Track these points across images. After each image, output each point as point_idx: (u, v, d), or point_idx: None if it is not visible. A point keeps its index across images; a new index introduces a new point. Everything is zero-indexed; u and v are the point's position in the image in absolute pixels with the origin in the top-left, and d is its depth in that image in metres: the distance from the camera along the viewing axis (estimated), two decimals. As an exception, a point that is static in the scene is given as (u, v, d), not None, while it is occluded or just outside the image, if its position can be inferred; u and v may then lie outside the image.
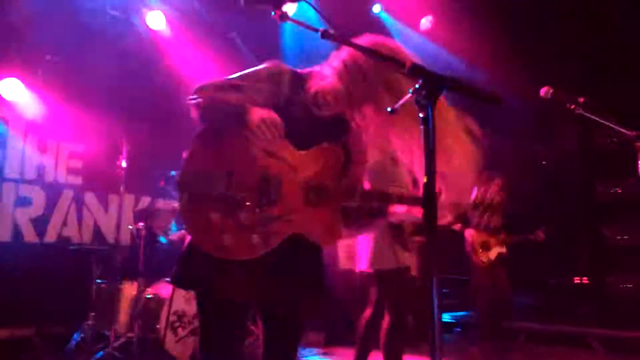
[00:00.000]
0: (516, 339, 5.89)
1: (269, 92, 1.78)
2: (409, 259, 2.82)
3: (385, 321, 2.87)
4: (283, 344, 1.94)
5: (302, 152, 1.79)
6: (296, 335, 2.00)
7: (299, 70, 1.89)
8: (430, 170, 1.24)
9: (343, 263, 6.03)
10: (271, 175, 1.74)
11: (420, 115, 1.22)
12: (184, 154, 1.79)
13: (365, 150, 1.88)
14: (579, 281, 6.02)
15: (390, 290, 2.81)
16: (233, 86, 1.78)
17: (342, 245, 6.05)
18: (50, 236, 5.28)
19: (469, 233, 4.78)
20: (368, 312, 2.92)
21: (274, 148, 1.72)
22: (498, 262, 4.80)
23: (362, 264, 2.90)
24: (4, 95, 5.01)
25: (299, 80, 1.83)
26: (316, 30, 1.42)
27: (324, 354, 5.10)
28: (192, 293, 4.42)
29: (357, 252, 2.95)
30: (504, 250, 4.83)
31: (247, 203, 1.71)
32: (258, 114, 1.64)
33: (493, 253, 4.79)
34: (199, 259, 1.73)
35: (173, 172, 4.36)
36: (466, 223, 4.71)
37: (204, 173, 1.71)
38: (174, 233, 4.97)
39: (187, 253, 1.82)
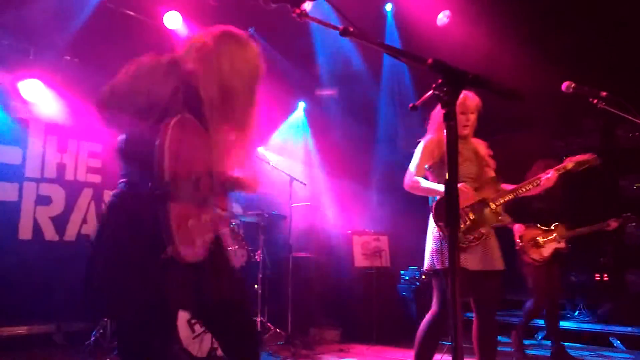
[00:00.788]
0: (534, 337, 5.84)
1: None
2: (467, 260, 2.82)
3: (428, 315, 2.90)
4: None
5: None
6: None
7: None
8: (452, 166, 1.23)
9: (359, 261, 6.07)
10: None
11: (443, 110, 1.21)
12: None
13: None
14: (599, 278, 5.93)
15: (442, 287, 2.86)
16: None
17: (358, 244, 6.09)
18: (70, 234, 5.36)
19: (518, 229, 4.45)
20: (428, 316, 2.88)
21: None
22: (553, 260, 4.42)
23: (425, 263, 2.97)
24: (24, 96, 5.09)
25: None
26: (336, 29, 1.41)
27: (340, 350, 5.10)
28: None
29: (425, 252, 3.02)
30: (562, 245, 4.43)
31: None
32: None
33: (547, 250, 4.42)
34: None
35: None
36: (517, 217, 4.36)
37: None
38: None
39: None
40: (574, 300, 6.08)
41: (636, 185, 5.81)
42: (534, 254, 4.37)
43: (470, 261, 2.78)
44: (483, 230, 2.85)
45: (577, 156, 3.09)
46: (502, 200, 2.92)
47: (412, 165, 2.96)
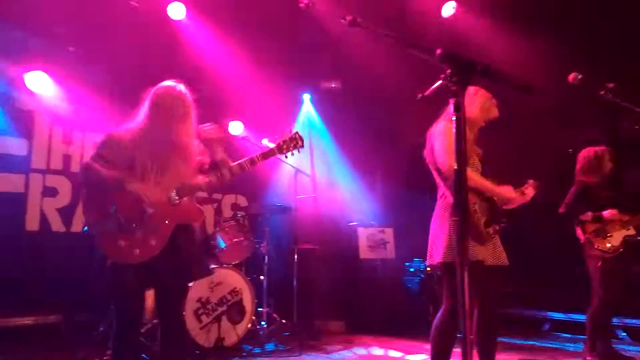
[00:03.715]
0: (541, 329, 5.86)
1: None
2: (483, 252, 2.78)
3: (441, 310, 2.84)
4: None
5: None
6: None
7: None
8: (460, 157, 1.24)
9: (364, 253, 6.09)
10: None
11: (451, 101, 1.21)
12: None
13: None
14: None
15: (454, 282, 2.76)
16: (103, 159, 2.62)
17: (363, 236, 6.11)
18: (77, 225, 5.39)
19: (578, 223, 4.20)
20: (443, 309, 2.80)
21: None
22: (626, 248, 4.05)
23: (434, 258, 2.83)
24: (29, 88, 5.11)
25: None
26: (344, 19, 1.41)
27: (346, 341, 5.13)
28: (217, 281, 4.51)
29: (429, 245, 2.92)
30: (631, 231, 4.08)
31: (134, 225, 2.61)
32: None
33: (616, 238, 4.09)
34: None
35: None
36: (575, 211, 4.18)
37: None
38: None
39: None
40: (577, 292, 6.06)
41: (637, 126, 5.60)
42: (601, 245, 4.07)
43: (484, 255, 2.77)
44: (497, 226, 2.85)
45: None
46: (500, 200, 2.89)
47: (451, 152, 2.72)
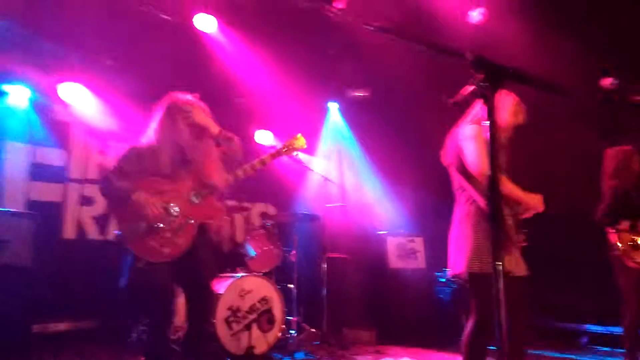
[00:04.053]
0: (578, 341, 5.66)
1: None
2: (510, 262, 2.69)
3: (470, 322, 2.73)
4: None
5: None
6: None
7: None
8: (494, 162, 1.21)
9: (393, 262, 6.03)
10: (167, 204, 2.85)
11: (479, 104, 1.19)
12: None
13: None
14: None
15: (481, 293, 2.69)
16: (121, 171, 2.84)
17: (392, 245, 6.05)
18: (112, 233, 5.52)
19: (613, 232, 4.01)
20: (471, 323, 2.70)
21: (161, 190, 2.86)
22: None
23: (458, 267, 2.72)
24: (64, 99, 5.28)
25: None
26: (371, 26, 1.41)
27: (377, 352, 5.08)
28: (247, 289, 4.54)
29: (451, 254, 2.84)
30: None
31: (161, 225, 2.82)
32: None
33: None
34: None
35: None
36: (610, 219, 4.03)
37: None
38: None
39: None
40: (614, 304, 5.85)
41: None
42: (638, 257, 3.91)
43: (509, 265, 2.68)
44: (523, 234, 2.76)
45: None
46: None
47: (483, 156, 2.63)
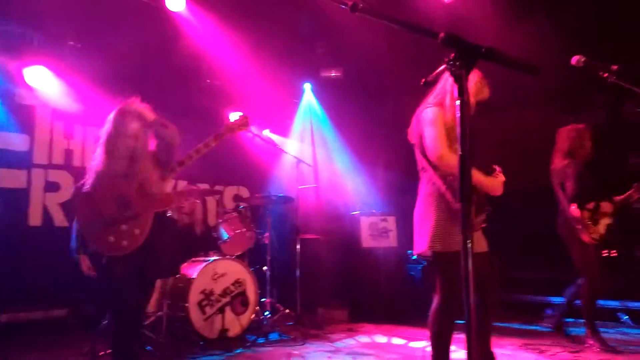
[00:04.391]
0: (543, 313, 5.86)
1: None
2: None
3: (435, 299, 2.78)
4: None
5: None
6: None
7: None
8: (465, 142, 1.22)
9: (366, 242, 6.09)
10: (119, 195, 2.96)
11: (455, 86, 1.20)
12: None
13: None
14: (607, 254, 5.92)
15: (445, 271, 2.74)
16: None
17: (365, 225, 6.10)
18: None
19: (575, 210, 4.19)
20: (436, 299, 2.75)
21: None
22: (607, 236, 4.23)
23: (421, 246, 2.76)
24: (29, 83, 5.09)
25: None
26: (345, 4, 1.39)
27: (350, 330, 5.15)
28: (220, 272, 4.52)
29: (415, 233, 2.87)
30: (610, 220, 4.24)
31: (117, 219, 2.89)
32: None
33: (602, 227, 4.22)
34: None
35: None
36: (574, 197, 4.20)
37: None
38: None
39: None
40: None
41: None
42: (594, 233, 4.18)
43: (474, 243, 2.73)
44: (484, 215, 2.80)
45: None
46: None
47: (440, 141, 2.66)
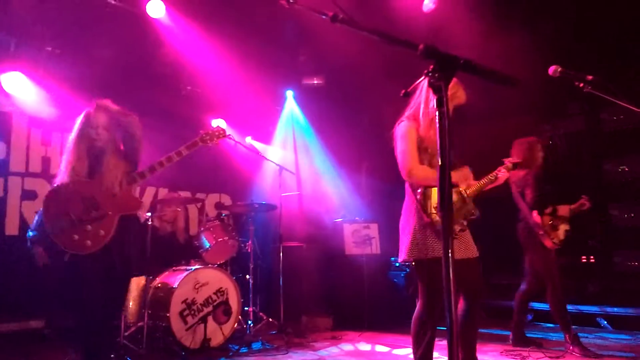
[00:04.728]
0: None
1: None
2: (460, 247, 2.75)
3: (418, 305, 2.82)
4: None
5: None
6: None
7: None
8: (445, 151, 1.23)
9: (349, 249, 6.10)
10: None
11: (435, 96, 1.21)
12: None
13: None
14: (586, 260, 6.03)
15: (425, 278, 2.77)
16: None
17: (349, 232, 6.11)
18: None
19: (537, 216, 4.34)
20: (418, 306, 2.79)
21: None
22: (565, 242, 4.35)
23: (403, 254, 2.82)
24: (6, 89, 4.99)
25: None
26: (325, 15, 1.39)
27: (333, 338, 5.14)
28: (202, 281, 4.47)
29: (399, 241, 2.91)
30: (568, 226, 4.39)
31: (83, 219, 2.99)
32: None
33: (561, 232, 4.35)
34: None
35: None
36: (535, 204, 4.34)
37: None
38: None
39: None
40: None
41: (620, 168, 5.91)
42: (555, 238, 4.31)
43: (463, 249, 2.76)
44: (464, 222, 2.83)
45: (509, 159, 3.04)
46: (473, 191, 2.86)
47: (409, 157, 2.72)
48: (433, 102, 2.76)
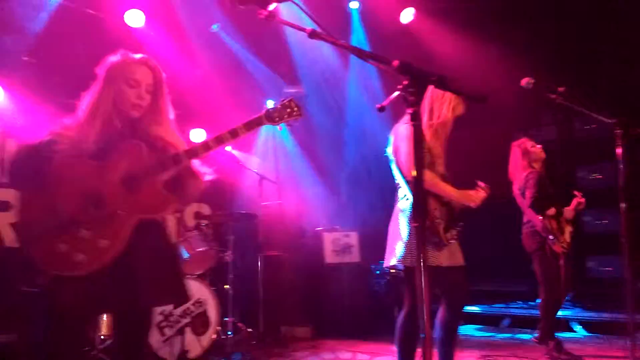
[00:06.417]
0: (501, 324, 6.01)
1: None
2: (439, 256, 2.77)
3: (402, 312, 2.85)
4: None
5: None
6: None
7: None
8: (419, 163, 1.27)
9: (329, 258, 6.11)
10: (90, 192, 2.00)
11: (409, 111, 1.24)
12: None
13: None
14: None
15: (414, 285, 2.78)
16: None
17: (328, 241, 6.13)
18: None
19: (541, 219, 4.14)
20: (403, 312, 2.83)
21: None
22: (570, 245, 4.22)
23: (393, 260, 2.84)
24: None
25: None
26: (303, 30, 1.42)
27: (313, 347, 5.13)
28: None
29: (388, 246, 2.92)
30: (572, 228, 4.28)
31: (79, 220, 1.97)
32: None
33: (567, 235, 4.23)
34: None
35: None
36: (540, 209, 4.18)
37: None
38: None
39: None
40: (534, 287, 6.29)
41: (593, 175, 6.08)
42: (564, 242, 4.17)
43: (442, 258, 2.80)
44: (455, 230, 2.87)
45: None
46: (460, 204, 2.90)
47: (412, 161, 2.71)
48: (437, 113, 2.85)
